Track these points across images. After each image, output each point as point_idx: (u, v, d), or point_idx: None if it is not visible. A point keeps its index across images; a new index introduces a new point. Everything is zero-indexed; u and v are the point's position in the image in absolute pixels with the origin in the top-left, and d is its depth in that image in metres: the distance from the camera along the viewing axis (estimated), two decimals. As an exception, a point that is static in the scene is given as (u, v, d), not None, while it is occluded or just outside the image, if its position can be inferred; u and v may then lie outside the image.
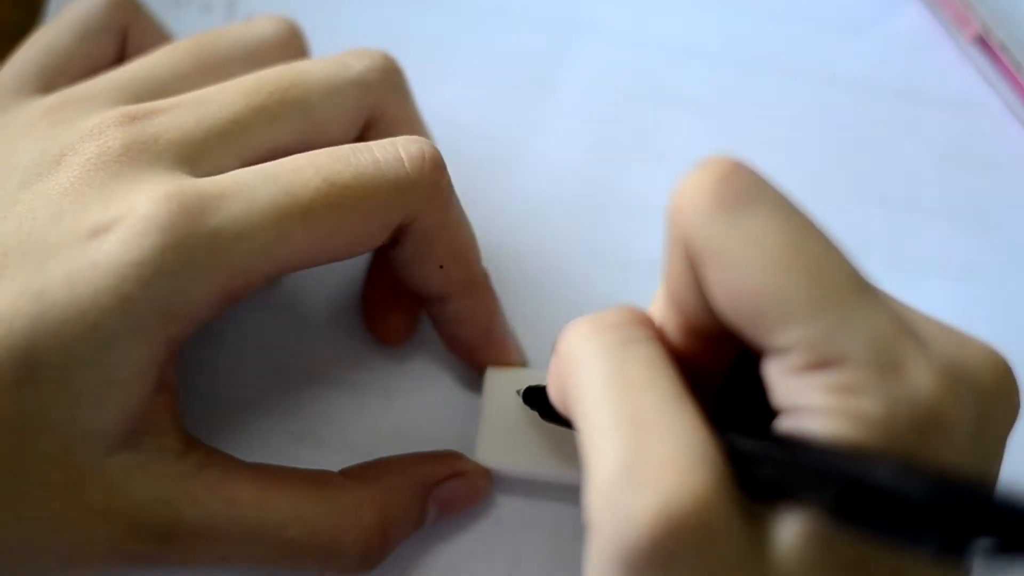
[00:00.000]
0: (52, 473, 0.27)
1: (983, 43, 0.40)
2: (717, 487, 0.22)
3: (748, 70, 0.41)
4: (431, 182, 0.30)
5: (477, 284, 0.33)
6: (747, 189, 0.23)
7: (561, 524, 0.34)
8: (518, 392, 0.33)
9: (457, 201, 0.31)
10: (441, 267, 0.31)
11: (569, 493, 0.34)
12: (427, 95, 0.35)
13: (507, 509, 0.34)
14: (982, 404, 0.23)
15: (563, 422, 0.30)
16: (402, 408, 0.36)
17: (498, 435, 0.33)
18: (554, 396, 0.28)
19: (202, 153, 0.29)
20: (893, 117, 0.40)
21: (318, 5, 0.41)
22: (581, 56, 0.41)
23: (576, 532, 0.34)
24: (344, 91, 0.31)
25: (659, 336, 0.26)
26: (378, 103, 0.32)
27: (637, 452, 0.22)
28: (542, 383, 0.33)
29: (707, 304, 0.24)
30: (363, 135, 0.32)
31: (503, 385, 0.34)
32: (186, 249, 0.27)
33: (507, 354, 0.34)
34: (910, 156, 0.40)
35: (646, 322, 0.26)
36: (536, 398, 0.32)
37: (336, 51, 0.39)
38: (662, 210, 0.37)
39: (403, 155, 0.29)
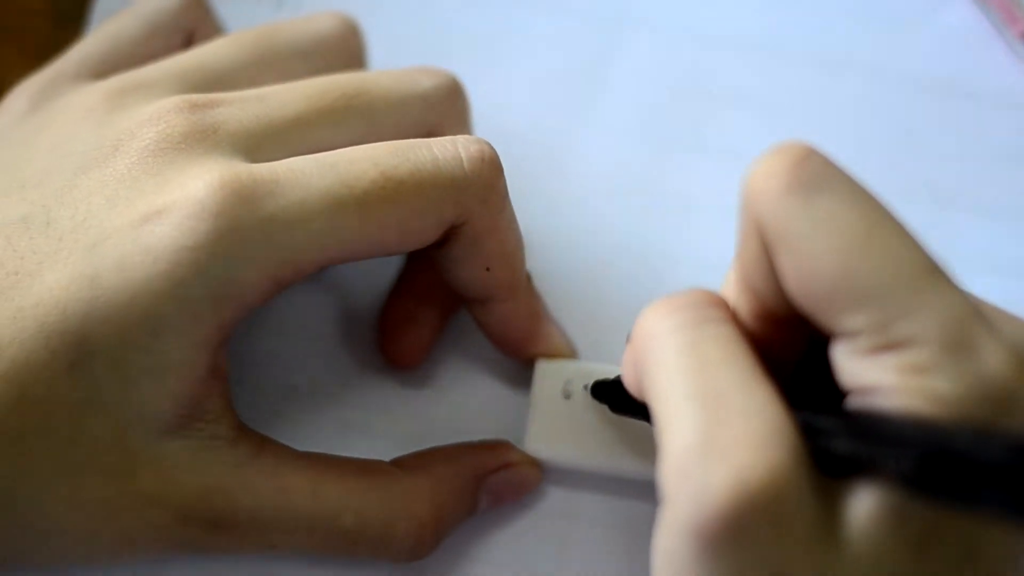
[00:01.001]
0: (106, 458, 0.27)
1: (1031, 40, 0.40)
2: (792, 462, 0.22)
3: (797, 65, 0.41)
4: (488, 183, 0.30)
5: (521, 287, 0.33)
6: (821, 174, 0.24)
7: (609, 515, 0.34)
8: (585, 387, 0.33)
9: (510, 204, 0.31)
10: (488, 269, 0.31)
11: (617, 484, 0.34)
12: (476, 90, 0.35)
13: (555, 499, 0.35)
14: None
15: (634, 412, 0.30)
16: (451, 397, 0.36)
17: (548, 426, 0.34)
18: (628, 379, 0.28)
19: (260, 147, 0.29)
20: (941, 113, 0.40)
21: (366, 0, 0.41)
22: (630, 50, 0.41)
23: (624, 523, 0.34)
24: (409, 105, 0.32)
25: (733, 318, 0.26)
26: (440, 122, 0.32)
27: (714, 425, 0.23)
28: (596, 375, 0.34)
29: (779, 287, 0.25)
30: None
31: (553, 377, 0.34)
32: (239, 234, 0.27)
33: (554, 349, 0.35)
34: (959, 152, 0.39)
35: (721, 303, 0.26)
36: (604, 391, 0.32)
37: (385, 45, 0.40)
38: (710, 206, 0.38)
39: (463, 154, 0.29)
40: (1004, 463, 0.19)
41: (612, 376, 0.32)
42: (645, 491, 0.34)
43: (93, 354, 0.27)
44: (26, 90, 0.33)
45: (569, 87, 0.40)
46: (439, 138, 0.30)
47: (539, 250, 0.38)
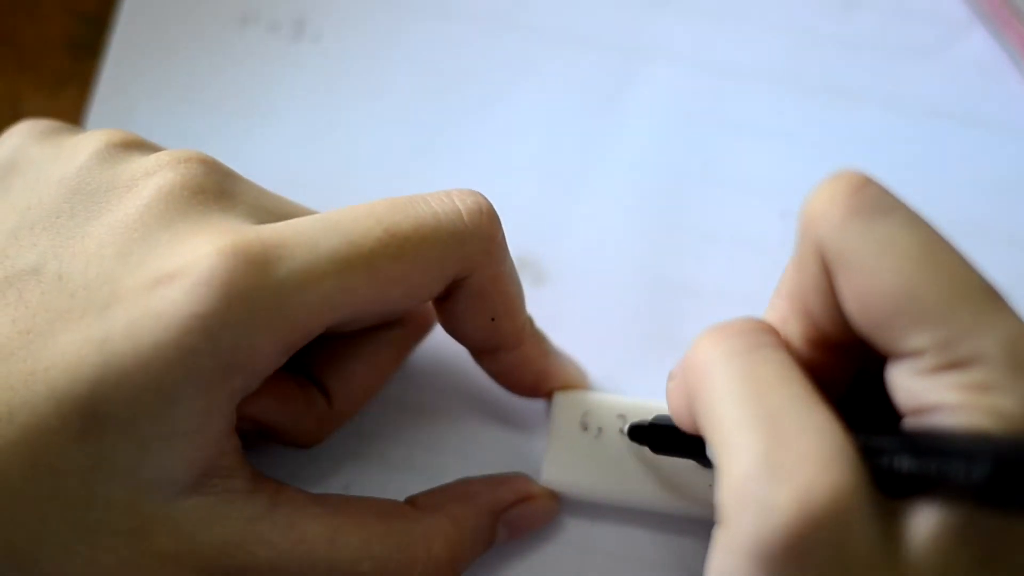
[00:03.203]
0: (120, 520, 0.27)
1: (1048, 71, 0.40)
2: (855, 481, 0.22)
3: (814, 96, 0.40)
4: (488, 235, 0.30)
5: (525, 333, 0.33)
6: (879, 199, 0.25)
7: (627, 548, 0.34)
8: (621, 431, 0.33)
9: (509, 254, 0.31)
10: (493, 319, 0.31)
11: (635, 516, 0.34)
12: (492, 119, 0.35)
13: (573, 531, 0.34)
14: None
15: (677, 451, 0.31)
16: (467, 429, 0.36)
17: (565, 458, 0.33)
18: (678, 411, 0.28)
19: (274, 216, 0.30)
20: (958, 143, 0.40)
21: (386, 28, 0.41)
22: (647, 82, 0.41)
23: (642, 556, 0.34)
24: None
25: (785, 344, 0.27)
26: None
27: (775, 447, 0.23)
28: (614, 406, 0.34)
29: (837, 311, 0.25)
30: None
31: (570, 408, 0.34)
32: (250, 302, 0.27)
33: (568, 383, 0.35)
34: (974, 182, 0.39)
35: (772, 330, 0.27)
36: (643, 432, 0.32)
37: (399, 78, 0.40)
38: (727, 237, 0.38)
39: (460, 207, 0.29)
40: None
41: (648, 417, 0.32)
42: (663, 523, 0.34)
43: (104, 420, 0.26)
44: (38, 124, 0.33)
45: (585, 118, 0.40)
46: (435, 192, 0.30)
47: (555, 277, 0.38)
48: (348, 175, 0.39)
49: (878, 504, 0.23)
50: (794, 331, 0.27)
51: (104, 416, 0.26)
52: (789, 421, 0.23)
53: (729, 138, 0.40)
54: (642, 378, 0.36)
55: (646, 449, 0.32)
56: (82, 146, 0.31)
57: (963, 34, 0.41)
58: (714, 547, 0.24)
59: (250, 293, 0.27)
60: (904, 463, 0.23)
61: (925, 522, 0.23)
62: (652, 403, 0.34)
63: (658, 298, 0.38)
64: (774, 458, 0.23)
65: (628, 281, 0.38)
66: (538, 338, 0.34)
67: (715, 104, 0.40)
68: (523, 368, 0.33)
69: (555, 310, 0.36)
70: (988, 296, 0.24)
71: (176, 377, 0.26)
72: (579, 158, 0.40)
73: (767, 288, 0.37)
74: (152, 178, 0.29)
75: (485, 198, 0.30)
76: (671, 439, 0.30)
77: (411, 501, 0.32)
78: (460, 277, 0.30)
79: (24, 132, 0.32)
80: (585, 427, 0.34)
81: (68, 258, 0.28)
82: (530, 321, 0.33)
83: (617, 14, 0.42)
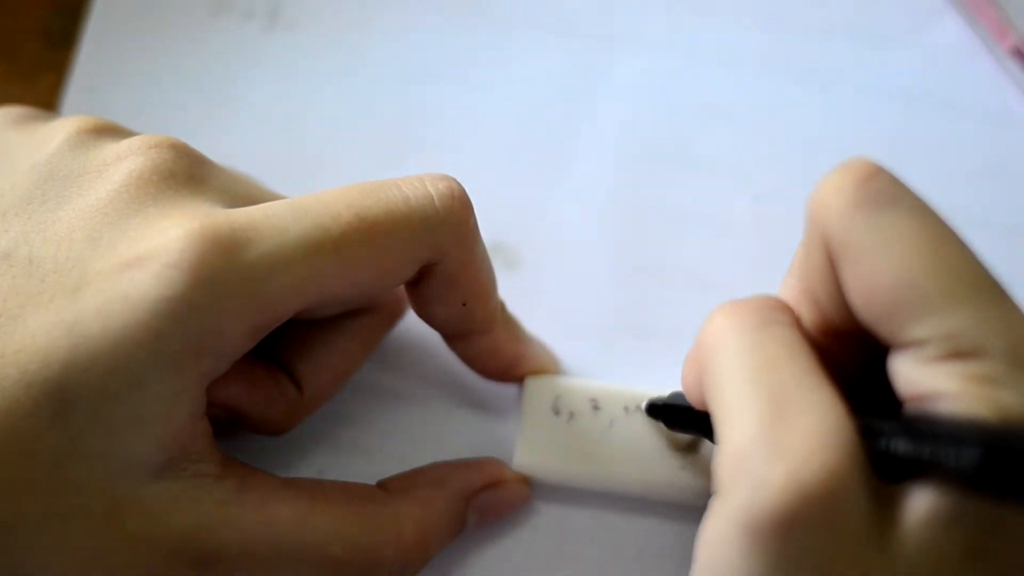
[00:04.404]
0: (91, 504, 0.27)
1: (1021, 55, 0.40)
2: (850, 462, 0.22)
3: (787, 81, 0.41)
4: (460, 220, 0.30)
5: (497, 318, 0.33)
6: (887, 190, 0.25)
7: (600, 532, 0.34)
8: (638, 407, 0.33)
9: (481, 238, 0.31)
10: (464, 304, 0.31)
11: (608, 500, 0.34)
12: (466, 105, 0.35)
13: (546, 516, 0.35)
14: None
15: (689, 426, 0.31)
16: (439, 413, 0.36)
17: (537, 442, 0.34)
18: (689, 385, 0.29)
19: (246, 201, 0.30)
20: (931, 129, 0.40)
21: (359, 16, 0.41)
22: (620, 68, 0.41)
23: (615, 539, 0.34)
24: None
25: (797, 323, 0.27)
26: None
27: (775, 421, 0.23)
28: (585, 390, 0.34)
29: (842, 300, 0.25)
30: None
31: (541, 393, 0.34)
32: (219, 285, 0.27)
33: (540, 368, 0.35)
34: (948, 168, 0.39)
35: (786, 308, 0.27)
36: (659, 409, 0.33)
37: (372, 67, 0.40)
38: (701, 220, 0.38)
39: (432, 192, 0.29)
40: None
41: (654, 394, 0.33)
42: (635, 507, 0.34)
43: (74, 403, 0.26)
44: (12, 111, 0.33)
45: (560, 103, 0.40)
46: (407, 177, 0.30)
47: (529, 263, 0.38)
48: (321, 162, 0.39)
49: (873, 486, 0.23)
50: (804, 315, 0.27)
51: (74, 399, 0.26)
52: (791, 397, 0.24)
53: (703, 123, 0.40)
54: (614, 363, 0.36)
55: (619, 433, 0.33)
56: (54, 132, 0.31)
57: (936, 19, 0.42)
58: (708, 515, 0.24)
59: (219, 276, 0.27)
60: (900, 446, 0.23)
61: (917, 505, 0.23)
62: (624, 388, 0.34)
63: (631, 283, 0.38)
64: (772, 433, 0.23)
65: (601, 266, 0.38)
66: (510, 323, 0.34)
67: (689, 89, 0.41)
68: (495, 353, 0.33)
69: (527, 295, 0.37)
70: (992, 289, 0.24)
71: (145, 360, 0.26)
72: (553, 143, 0.40)
73: (740, 272, 0.38)
74: (123, 163, 0.29)
75: (457, 182, 0.30)
76: (685, 416, 0.31)
77: (382, 485, 0.32)
78: (432, 262, 0.30)
79: (8, 112, 0.32)
80: (557, 412, 0.34)
81: (39, 243, 0.28)
82: (502, 306, 0.33)
83: (590, 1, 0.42)
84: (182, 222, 0.27)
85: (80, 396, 0.26)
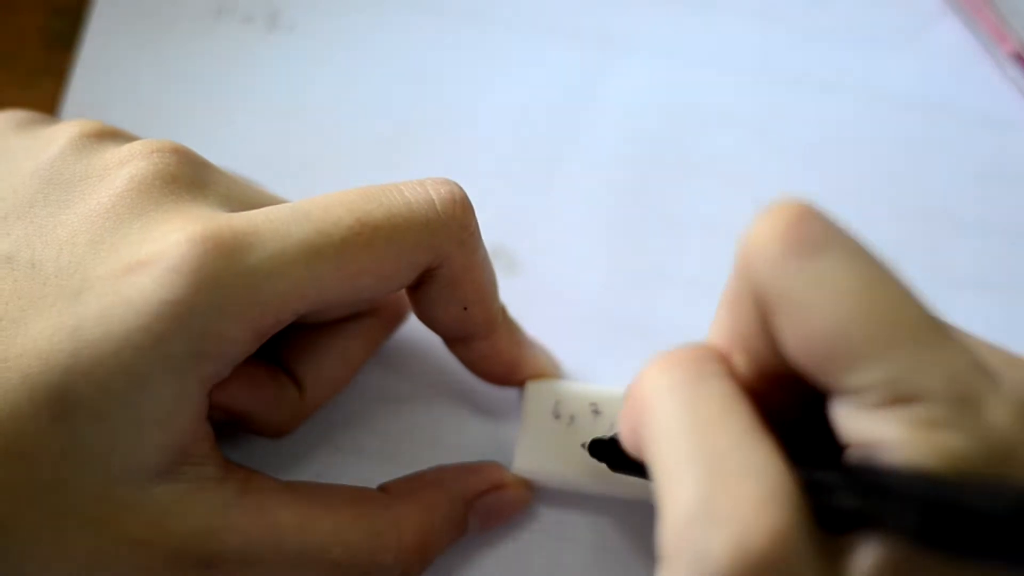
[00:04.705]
0: (92, 507, 0.27)
1: (1020, 59, 0.40)
2: (793, 522, 0.22)
3: (786, 85, 0.41)
4: (461, 224, 0.30)
5: (498, 322, 0.33)
6: (817, 233, 0.24)
7: (600, 536, 0.34)
8: (583, 445, 0.33)
9: (483, 242, 0.31)
10: (465, 309, 0.31)
11: (609, 505, 0.34)
12: (466, 109, 0.35)
13: (546, 520, 0.35)
14: None
15: (634, 471, 0.30)
16: (440, 417, 0.36)
17: (537, 446, 0.34)
18: (627, 438, 0.27)
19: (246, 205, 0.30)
20: (931, 133, 0.40)
21: (359, 20, 0.41)
22: (620, 72, 0.41)
23: (615, 544, 0.34)
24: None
25: (732, 373, 0.26)
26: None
27: (713, 488, 0.22)
28: (586, 395, 0.34)
29: (776, 349, 0.24)
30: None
31: (542, 397, 0.34)
32: (220, 288, 0.27)
33: (540, 372, 0.35)
34: (948, 171, 0.39)
35: (719, 358, 0.26)
36: (603, 449, 0.32)
37: (372, 70, 0.40)
38: (701, 223, 0.38)
39: (434, 196, 0.29)
40: (1007, 515, 0.19)
41: (609, 434, 0.32)
42: (634, 511, 0.34)
43: (76, 406, 0.26)
44: (14, 115, 0.33)
45: (559, 108, 0.40)
46: (409, 181, 0.30)
47: (527, 267, 0.38)
48: (321, 166, 0.39)
49: (820, 542, 0.22)
50: (738, 362, 0.26)
51: (75, 402, 0.26)
52: (729, 460, 0.23)
53: (702, 128, 0.40)
54: (614, 367, 0.36)
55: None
56: (57, 136, 0.31)
57: (935, 22, 0.42)
58: None
59: (220, 280, 0.27)
60: (844, 500, 0.22)
61: (865, 559, 0.22)
62: (624, 392, 0.34)
63: (631, 287, 0.38)
64: (712, 500, 0.22)
65: (601, 270, 0.38)
66: (511, 327, 0.34)
67: (689, 93, 0.41)
68: (496, 357, 0.33)
69: (528, 299, 0.36)
70: (931, 330, 0.23)
71: (147, 363, 0.26)
72: (553, 148, 0.40)
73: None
74: (125, 167, 0.29)
75: (459, 187, 0.30)
76: (629, 458, 0.29)
77: (383, 488, 0.32)
78: (433, 266, 0.30)
79: (10, 117, 0.32)
80: (557, 416, 0.34)
81: (41, 247, 0.28)
82: (503, 310, 0.33)
83: (590, 4, 0.42)
84: (184, 226, 0.27)
85: (82, 399, 0.26)
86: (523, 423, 0.34)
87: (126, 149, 0.30)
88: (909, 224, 0.39)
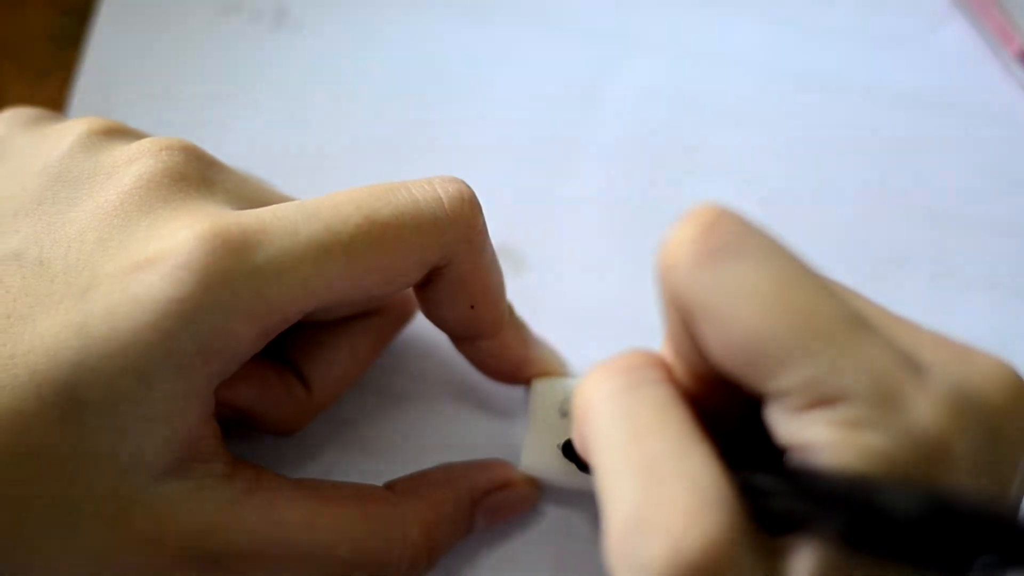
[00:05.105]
0: (100, 504, 0.27)
1: (1027, 59, 0.40)
2: (729, 527, 0.22)
3: (794, 84, 0.41)
4: (469, 223, 0.30)
5: (505, 321, 0.33)
6: (730, 239, 0.24)
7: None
8: (558, 446, 0.33)
9: (490, 241, 0.31)
10: (473, 307, 0.31)
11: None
12: (473, 107, 0.35)
13: (552, 518, 0.35)
14: (992, 425, 0.23)
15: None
16: (447, 415, 0.36)
17: (544, 444, 0.33)
18: (578, 445, 0.28)
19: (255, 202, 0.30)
20: (938, 132, 0.40)
21: (366, 17, 0.41)
22: (627, 70, 0.41)
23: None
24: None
25: (671, 378, 0.26)
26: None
27: (648, 498, 0.23)
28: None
29: (705, 356, 0.24)
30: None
31: (549, 395, 0.34)
32: (227, 287, 0.27)
33: (547, 371, 0.35)
34: (956, 171, 0.40)
35: (657, 364, 0.26)
36: (573, 451, 0.32)
37: (379, 68, 0.40)
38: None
39: (442, 195, 0.29)
40: (920, 518, 0.20)
41: None
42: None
43: (84, 403, 0.26)
44: (22, 112, 0.33)
45: (566, 106, 0.40)
46: (416, 180, 0.30)
47: (533, 265, 0.38)
48: (329, 163, 0.40)
49: (758, 544, 0.22)
50: (677, 367, 0.26)
51: (83, 400, 0.26)
52: (664, 468, 0.23)
53: (709, 126, 0.40)
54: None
55: None
56: (65, 134, 0.31)
57: (942, 22, 0.42)
58: None
59: (228, 277, 0.27)
60: (779, 504, 0.22)
61: (804, 561, 0.22)
62: None
63: (639, 286, 0.38)
64: (647, 509, 0.22)
65: (608, 269, 0.38)
66: (518, 326, 0.34)
67: (696, 91, 0.41)
68: (503, 356, 0.33)
69: (535, 298, 0.37)
70: (850, 328, 0.23)
71: (154, 361, 0.26)
72: (560, 146, 0.40)
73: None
74: (133, 165, 0.29)
75: (467, 185, 0.30)
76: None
77: (390, 486, 0.32)
78: (441, 265, 0.30)
79: (8, 120, 0.32)
80: (564, 414, 0.34)
81: (49, 244, 0.28)
82: (510, 309, 0.33)
83: (595, 4, 0.42)
84: (192, 224, 0.27)
85: (89, 396, 0.26)
86: (530, 421, 0.34)
87: (135, 147, 0.30)
88: (917, 224, 0.39)
